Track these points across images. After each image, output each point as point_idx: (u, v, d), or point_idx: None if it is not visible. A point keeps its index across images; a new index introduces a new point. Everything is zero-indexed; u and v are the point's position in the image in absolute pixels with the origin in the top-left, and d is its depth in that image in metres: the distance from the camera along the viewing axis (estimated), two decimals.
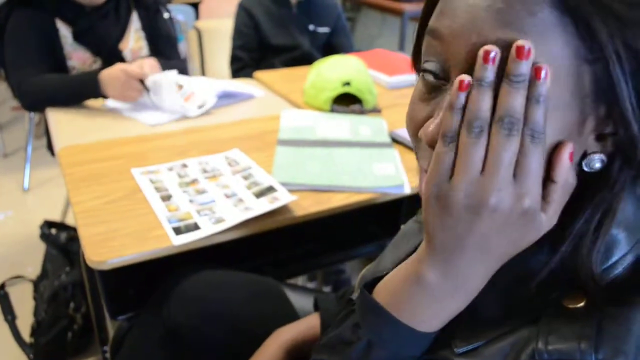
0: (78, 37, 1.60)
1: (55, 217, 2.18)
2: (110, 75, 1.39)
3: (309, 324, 0.79)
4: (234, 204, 0.97)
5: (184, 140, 1.25)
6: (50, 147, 1.84)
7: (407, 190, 1.06)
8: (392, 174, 1.10)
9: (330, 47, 2.22)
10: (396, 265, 0.65)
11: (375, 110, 1.49)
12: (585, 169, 0.42)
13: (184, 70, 1.76)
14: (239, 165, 1.11)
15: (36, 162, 2.70)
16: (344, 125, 1.34)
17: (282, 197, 0.97)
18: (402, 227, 0.71)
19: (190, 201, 0.98)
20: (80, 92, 1.45)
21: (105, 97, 1.43)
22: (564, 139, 0.40)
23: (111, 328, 1.27)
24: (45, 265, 1.79)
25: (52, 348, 1.63)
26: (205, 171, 1.09)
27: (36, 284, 1.82)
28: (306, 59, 2.10)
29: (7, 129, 3.19)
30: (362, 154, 1.18)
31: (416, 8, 3.40)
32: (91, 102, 1.48)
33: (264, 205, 0.95)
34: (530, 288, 0.45)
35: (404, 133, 1.29)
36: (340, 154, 1.17)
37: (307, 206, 0.99)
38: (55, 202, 2.39)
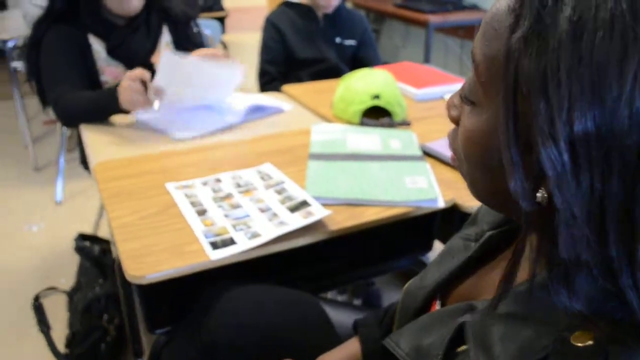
0: (111, 52, 1.64)
1: (87, 229, 2.22)
2: (120, 85, 1.41)
3: (350, 352, 0.79)
4: (268, 219, 0.98)
5: (215, 155, 1.27)
6: (83, 161, 1.88)
7: (441, 204, 1.06)
8: (425, 187, 1.10)
9: (357, 59, 2.23)
10: (441, 284, 0.65)
11: (405, 123, 1.49)
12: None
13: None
14: (272, 180, 1.12)
15: (68, 175, 2.75)
16: (374, 138, 1.34)
17: (317, 212, 0.97)
18: (448, 242, 0.71)
19: (226, 216, 0.99)
20: (105, 107, 1.46)
21: (126, 111, 1.45)
22: None
23: (145, 341, 1.28)
24: (79, 278, 1.82)
25: (86, 359, 1.65)
26: (239, 185, 1.10)
27: (70, 295, 1.85)
28: (333, 72, 2.12)
29: (39, 143, 3.26)
30: (394, 168, 1.18)
31: (441, 19, 3.40)
32: (123, 118, 1.51)
33: (298, 220, 0.95)
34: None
35: (435, 146, 1.29)
36: (372, 168, 1.17)
37: (341, 220, 0.99)
38: (87, 215, 2.44)
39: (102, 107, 1.46)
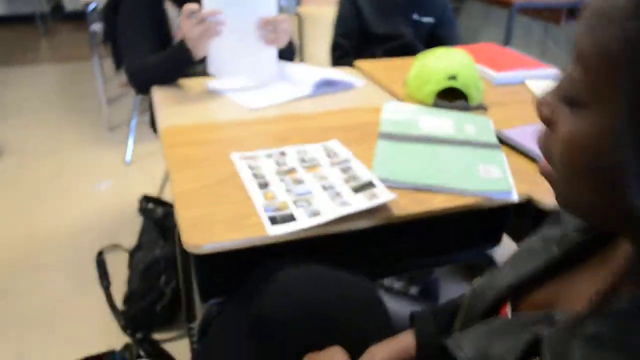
0: None
1: (153, 191, 2.27)
2: (181, 31, 1.39)
3: (403, 346, 0.75)
4: (331, 198, 0.94)
5: (283, 127, 1.24)
6: (153, 124, 1.91)
7: (515, 198, 0.99)
8: (499, 177, 1.03)
9: (434, 38, 2.13)
10: (515, 286, 0.59)
11: (481, 108, 1.41)
12: None
13: (292, 55, 1.76)
14: (338, 157, 1.08)
15: (139, 137, 2.82)
16: (448, 121, 1.27)
17: (382, 195, 0.93)
18: (525, 241, 0.65)
19: (287, 191, 0.96)
20: (177, 60, 1.43)
21: (195, 60, 1.42)
22: None
23: (199, 308, 1.29)
24: (141, 238, 1.86)
25: (142, 318, 1.69)
26: (303, 160, 1.07)
27: (131, 254, 1.89)
28: (408, 50, 2.04)
29: (114, 104, 3.35)
30: (467, 154, 1.11)
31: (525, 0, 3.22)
32: (194, 84, 1.51)
33: (362, 202, 0.91)
34: None
35: (512, 134, 1.21)
36: (444, 152, 1.11)
37: (406, 206, 0.94)
38: (154, 177, 2.49)
39: (174, 61, 1.44)
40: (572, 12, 3.41)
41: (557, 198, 0.47)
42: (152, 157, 2.75)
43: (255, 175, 1.01)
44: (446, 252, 1.09)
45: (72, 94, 3.62)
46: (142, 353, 1.57)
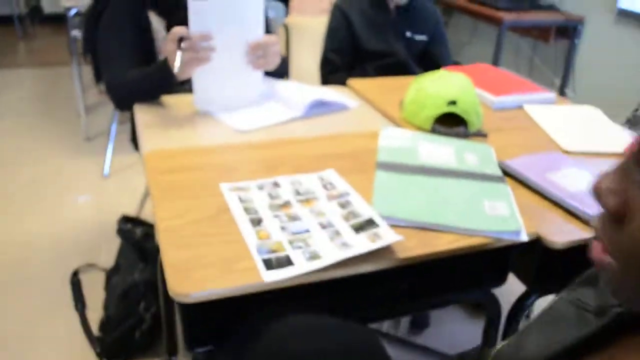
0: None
1: (132, 205, 2.17)
2: (165, 50, 1.31)
3: None
4: (330, 237, 0.87)
5: (275, 153, 1.17)
6: (134, 138, 1.82)
7: (524, 237, 0.93)
8: (507, 215, 0.97)
9: (427, 56, 2.09)
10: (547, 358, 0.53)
11: (480, 135, 1.36)
12: None
13: (284, 72, 1.69)
14: (335, 190, 1.02)
15: (118, 148, 2.71)
16: (448, 150, 1.21)
17: (385, 235, 0.86)
18: (553, 303, 0.58)
19: (282, 228, 0.89)
20: (159, 79, 1.34)
21: (178, 82, 1.33)
22: None
23: (181, 339, 1.20)
24: (118, 260, 1.77)
25: (119, 345, 1.60)
26: (298, 193, 1.00)
27: (108, 276, 1.80)
28: (401, 67, 1.99)
29: (93, 112, 3.24)
30: (471, 188, 1.05)
31: (515, 17, 3.20)
32: (179, 102, 1.43)
33: (364, 243, 0.84)
34: None
35: (516, 165, 1.15)
36: (447, 186, 1.05)
37: (411, 247, 0.87)
38: (133, 190, 2.39)
39: (158, 80, 1.36)
40: (561, 31, 3.41)
41: (614, 292, 0.41)
42: (131, 169, 2.66)
43: (247, 210, 0.94)
44: (447, 292, 1.03)
45: (49, 101, 3.50)
46: None
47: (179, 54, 1.25)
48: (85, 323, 1.71)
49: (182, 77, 1.30)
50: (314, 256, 0.82)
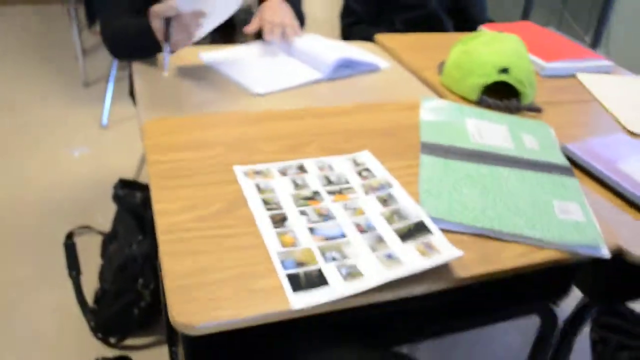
0: None
1: (133, 160, 2.00)
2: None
3: None
4: (371, 246, 0.70)
5: (298, 126, 0.98)
6: (132, 92, 1.62)
7: (606, 253, 0.75)
8: (582, 221, 0.79)
9: (460, 11, 1.86)
10: None
11: (534, 109, 1.16)
12: None
13: (299, 12, 1.48)
14: (374, 179, 0.84)
15: (118, 95, 2.51)
16: (500, 129, 1.03)
17: (441, 248, 0.69)
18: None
19: (311, 230, 0.72)
20: (155, 40, 1.11)
21: None
22: None
23: None
24: (116, 225, 1.61)
25: (115, 321, 1.46)
26: (329, 181, 0.82)
27: (105, 242, 1.65)
28: (433, 22, 1.77)
29: (91, 55, 3.01)
30: (536, 182, 0.87)
31: None
32: (185, 55, 1.23)
33: (416, 259, 0.67)
34: None
35: (581, 152, 0.97)
36: (508, 179, 0.87)
37: (471, 262, 0.70)
38: (133, 143, 2.21)
39: (155, 39, 1.12)
40: None
41: None
42: (132, 121, 2.46)
43: (267, 203, 0.76)
44: (499, 309, 0.86)
45: (44, 42, 3.25)
46: None
47: (166, 54, 1.04)
48: (80, 292, 1.57)
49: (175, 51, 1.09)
50: (353, 273, 0.65)
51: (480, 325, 0.89)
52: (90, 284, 1.57)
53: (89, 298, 1.54)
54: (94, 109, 2.50)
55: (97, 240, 1.69)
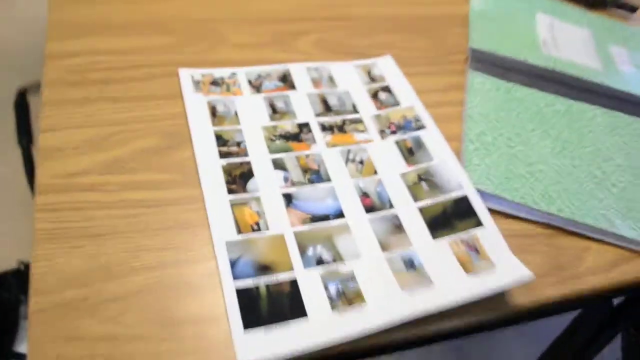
0: None
1: None
2: None
3: None
4: (381, 240, 0.43)
5: (291, 3, 0.66)
6: None
7: None
8: None
9: None
10: None
11: (626, 7, 0.83)
12: None
13: None
14: (397, 108, 0.54)
15: None
16: (583, 34, 0.71)
17: (498, 259, 0.42)
18: None
19: (288, 200, 0.44)
20: None
21: None
22: None
23: None
24: None
25: None
26: (326, 107, 0.53)
27: None
28: None
29: None
30: (628, 132, 0.58)
31: None
32: None
33: (452, 275, 0.41)
34: None
35: None
36: (593, 123, 0.58)
37: (538, 279, 0.44)
38: None
39: None
40: None
41: None
42: None
43: (222, 141, 0.48)
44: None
45: None
46: None
47: None
48: (31, 165, 1.33)
49: None
50: (350, 295, 0.39)
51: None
52: None
53: None
54: None
55: None
